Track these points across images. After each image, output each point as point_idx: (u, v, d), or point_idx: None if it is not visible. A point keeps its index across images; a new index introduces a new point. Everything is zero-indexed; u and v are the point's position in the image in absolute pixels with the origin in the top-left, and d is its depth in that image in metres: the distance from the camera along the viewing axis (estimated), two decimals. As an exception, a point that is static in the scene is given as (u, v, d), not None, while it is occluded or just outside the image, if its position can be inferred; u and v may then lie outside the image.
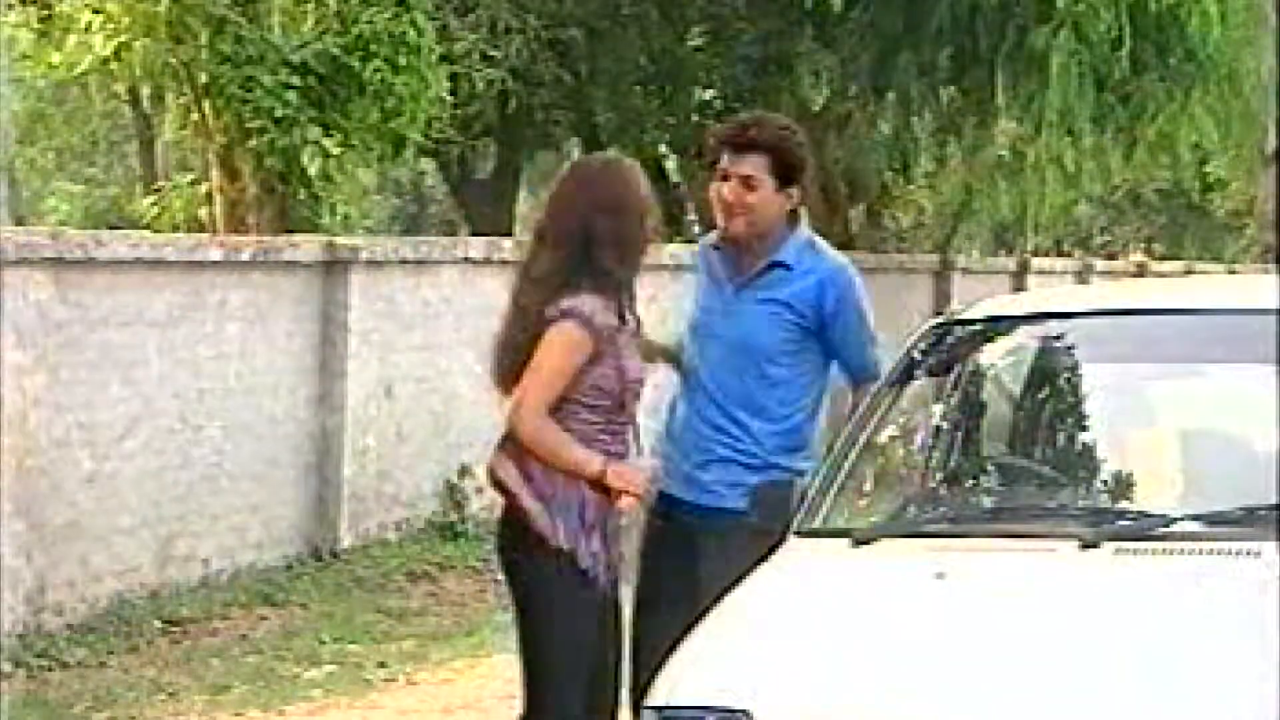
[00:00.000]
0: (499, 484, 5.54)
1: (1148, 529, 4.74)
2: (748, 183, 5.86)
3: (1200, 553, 4.60)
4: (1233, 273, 24.56)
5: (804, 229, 5.99)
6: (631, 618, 5.82)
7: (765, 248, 5.91)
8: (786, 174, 5.89)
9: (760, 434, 5.84)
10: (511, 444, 5.52)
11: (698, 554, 5.72)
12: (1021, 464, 5.37)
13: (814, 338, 5.88)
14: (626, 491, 5.48)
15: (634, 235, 5.53)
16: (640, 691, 5.03)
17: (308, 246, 11.39)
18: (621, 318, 5.57)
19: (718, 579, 5.06)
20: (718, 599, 4.75)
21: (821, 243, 6.04)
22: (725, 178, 5.91)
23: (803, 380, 5.90)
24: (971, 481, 5.44)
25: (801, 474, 5.55)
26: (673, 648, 4.55)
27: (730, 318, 5.93)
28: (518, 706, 5.58)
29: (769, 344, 5.86)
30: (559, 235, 5.51)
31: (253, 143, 12.44)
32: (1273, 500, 4.72)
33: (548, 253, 5.51)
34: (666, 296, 15.20)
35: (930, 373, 5.53)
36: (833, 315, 5.86)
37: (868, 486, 5.32)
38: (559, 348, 5.41)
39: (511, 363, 5.52)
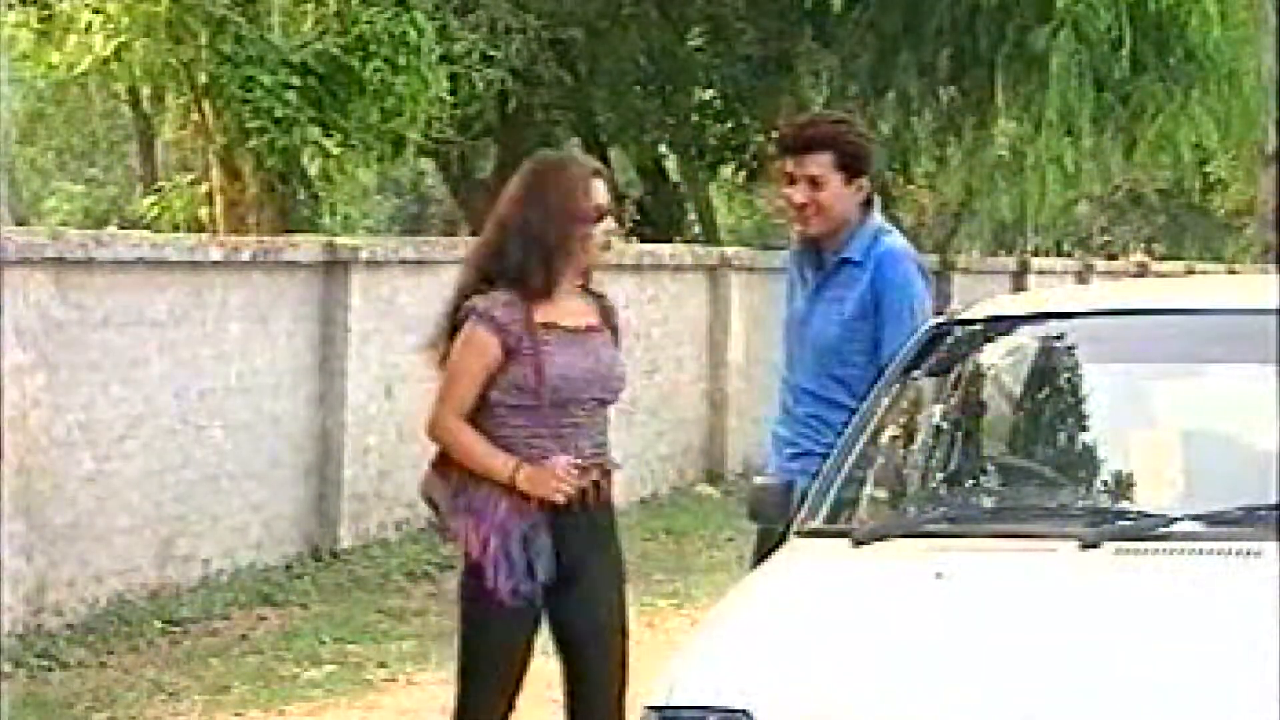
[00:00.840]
0: (429, 501, 5.58)
1: (1148, 529, 4.73)
2: (815, 182, 5.91)
3: (1200, 553, 4.60)
4: (1233, 273, 24.56)
5: (874, 218, 6.01)
6: None
7: (839, 243, 5.96)
8: (853, 165, 5.94)
9: (840, 427, 5.79)
10: (442, 459, 5.53)
11: None
12: (1021, 464, 5.37)
13: None
14: (540, 495, 5.34)
15: (562, 239, 5.39)
16: None
17: (308, 246, 11.39)
18: (607, 318, 5.53)
19: None
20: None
21: (888, 230, 6.06)
22: (792, 181, 5.95)
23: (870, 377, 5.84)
24: (971, 481, 5.44)
25: None
26: None
27: (809, 319, 6.00)
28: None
29: (838, 344, 5.90)
30: (497, 224, 5.49)
31: (253, 143, 12.44)
32: (1273, 500, 4.72)
33: (487, 238, 5.53)
34: (667, 297, 15.23)
35: (930, 373, 5.53)
36: (878, 301, 5.88)
37: (868, 486, 5.32)
38: (463, 349, 5.39)
39: (431, 343, 5.55)
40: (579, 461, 5.37)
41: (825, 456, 5.58)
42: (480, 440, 5.39)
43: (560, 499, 5.33)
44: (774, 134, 6.37)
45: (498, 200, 5.59)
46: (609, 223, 5.49)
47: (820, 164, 5.91)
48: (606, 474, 5.51)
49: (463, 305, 5.43)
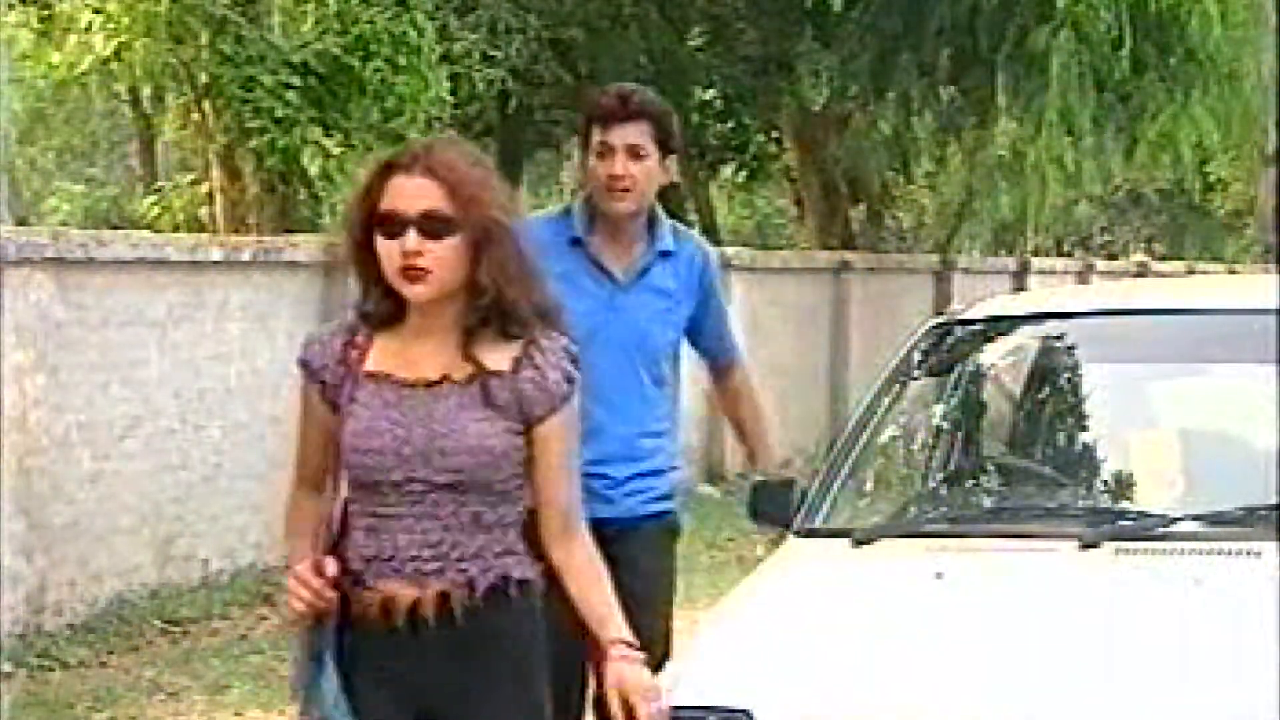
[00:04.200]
0: None
1: (1148, 529, 4.74)
2: (635, 152, 5.34)
3: (1201, 553, 4.60)
4: (1233, 273, 24.57)
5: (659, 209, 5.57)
6: None
7: (640, 232, 5.45)
8: (667, 142, 5.43)
9: (662, 434, 5.50)
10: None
11: (627, 566, 5.07)
12: (1021, 464, 5.37)
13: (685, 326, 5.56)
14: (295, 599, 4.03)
15: (354, 251, 4.10)
16: None
17: (308, 246, 11.39)
18: (502, 369, 3.89)
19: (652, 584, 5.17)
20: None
21: (677, 223, 5.71)
22: (605, 152, 5.34)
23: (677, 373, 5.61)
24: (971, 481, 5.44)
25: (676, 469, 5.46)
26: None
27: (621, 316, 5.33)
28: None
29: (663, 341, 5.46)
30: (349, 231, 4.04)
31: (253, 143, 12.44)
32: (1273, 500, 4.72)
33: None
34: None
35: (930, 373, 5.53)
36: (707, 297, 5.56)
37: (868, 486, 5.32)
38: (300, 400, 4.04)
39: None
40: (323, 565, 4.06)
41: (658, 473, 5.37)
42: (293, 522, 4.19)
43: (290, 613, 4.05)
44: (598, 111, 5.63)
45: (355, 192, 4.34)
46: (411, 238, 3.84)
47: (640, 133, 5.35)
48: (470, 588, 3.91)
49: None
